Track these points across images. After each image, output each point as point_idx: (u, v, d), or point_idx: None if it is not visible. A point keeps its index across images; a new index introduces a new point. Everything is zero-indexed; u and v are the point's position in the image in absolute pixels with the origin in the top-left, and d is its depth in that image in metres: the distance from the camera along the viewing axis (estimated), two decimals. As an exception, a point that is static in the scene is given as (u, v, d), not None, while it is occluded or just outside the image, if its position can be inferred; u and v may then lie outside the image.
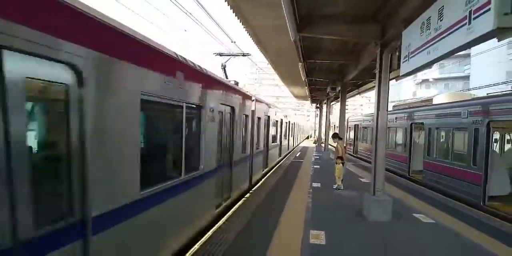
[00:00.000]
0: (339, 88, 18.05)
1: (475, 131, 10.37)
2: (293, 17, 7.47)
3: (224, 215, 8.12)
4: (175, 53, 5.25)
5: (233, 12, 9.29)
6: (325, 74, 17.63)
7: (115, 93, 3.58)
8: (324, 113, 29.90)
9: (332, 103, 26.80)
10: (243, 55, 14.34)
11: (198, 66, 6.32)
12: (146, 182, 4.20)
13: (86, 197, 3.05)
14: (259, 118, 12.74)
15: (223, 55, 13.52)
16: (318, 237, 6.39)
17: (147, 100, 4.23)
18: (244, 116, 10.36)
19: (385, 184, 8.42)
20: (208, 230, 6.93)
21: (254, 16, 9.63)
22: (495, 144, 11.77)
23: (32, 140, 2.70)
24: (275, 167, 17.70)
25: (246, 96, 10.59)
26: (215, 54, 13.65)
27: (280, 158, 21.28)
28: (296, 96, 38.33)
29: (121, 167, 3.74)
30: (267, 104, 15.13)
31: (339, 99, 19.38)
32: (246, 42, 13.14)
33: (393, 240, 6.55)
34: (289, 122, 26.27)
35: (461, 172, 11.03)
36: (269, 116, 15.33)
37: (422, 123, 14.59)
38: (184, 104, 5.50)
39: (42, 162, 2.90)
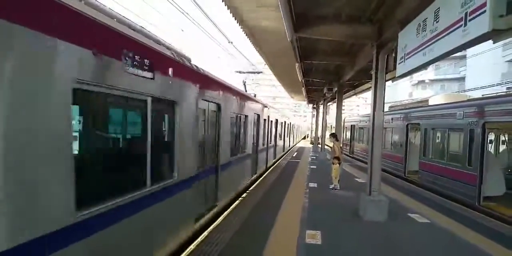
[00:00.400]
0: (336, 88, 18.11)
1: (471, 132, 10.43)
2: (290, 17, 7.49)
3: (221, 214, 8.12)
4: (141, 28, 4.44)
5: (230, 13, 9.30)
6: (321, 74, 17.67)
7: (33, 80, 2.59)
8: (320, 114, 29.96)
9: (328, 104, 26.87)
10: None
11: (175, 53, 5.48)
12: (85, 199, 3.16)
13: None
14: (253, 117, 12.19)
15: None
16: (314, 237, 6.41)
17: (87, 90, 3.22)
18: (234, 115, 9.50)
19: (381, 184, 8.45)
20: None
21: (251, 17, 9.64)
22: (490, 145, 11.86)
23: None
24: (272, 167, 17.69)
25: (236, 93, 9.65)
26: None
27: (276, 159, 21.17)
28: (293, 97, 38.40)
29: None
30: (261, 103, 14.57)
31: (336, 99, 19.44)
32: (243, 43, 13.16)
33: (389, 240, 6.58)
34: (285, 122, 25.83)
35: (457, 173, 11.10)
36: (258, 115, 13.83)
37: (418, 124, 14.66)
38: (149, 98, 4.40)
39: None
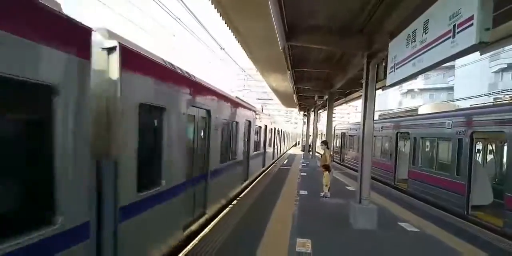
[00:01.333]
0: (327, 96, 18.26)
1: (459, 142, 10.57)
2: (282, 26, 7.56)
3: (210, 222, 8.05)
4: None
5: (223, 20, 9.34)
6: (313, 82, 17.80)
7: None
8: (311, 121, 30.09)
9: (319, 111, 27.02)
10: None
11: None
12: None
13: None
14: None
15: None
16: (304, 245, 6.39)
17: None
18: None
19: (371, 192, 8.49)
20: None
21: (243, 24, 9.69)
22: (478, 154, 12.01)
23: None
24: (263, 173, 17.64)
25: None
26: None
27: (267, 166, 21.06)
28: (284, 104, 38.53)
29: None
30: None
31: (327, 107, 19.57)
32: (235, 49, 13.21)
33: (379, 248, 6.59)
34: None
35: (445, 182, 11.20)
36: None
37: (408, 133, 14.80)
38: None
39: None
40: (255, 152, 15.55)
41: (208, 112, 7.70)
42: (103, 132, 3.61)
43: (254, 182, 14.63)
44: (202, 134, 7.55)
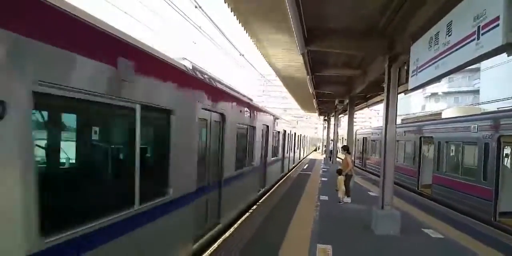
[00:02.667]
0: (347, 101, 18.09)
1: (485, 146, 10.26)
2: (301, 31, 7.56)
3: (231, 227, 8.07)
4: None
5: (242, 26, 9.44)
6: (333, 87, 17.68)
7: None
8: (332, 126, 29.83)
9: (340, 116, 26.77)
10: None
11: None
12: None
13: None
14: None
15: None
16: (325, 251, 6.31)
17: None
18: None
19: (394, 198, 8.33)
20: None
21: (262, 31, 9.77)
22: (506, 159, 11.62)
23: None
24: (283, 179, 17.58)
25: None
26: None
27: (287, 171, 20.91)
28: (304, 109, 38.39)
29: None
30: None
31: (347, 111, 19.37)
32: (255, 55, 13.31)
33: (402, 255, 6.44)
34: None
35: (471, 187, 10.88)
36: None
37: (431, 137, 14.48)
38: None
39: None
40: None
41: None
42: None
43: (274, 187, 14.59)
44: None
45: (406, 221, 8.40)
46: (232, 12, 8.45)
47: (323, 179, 17.77)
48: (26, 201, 2.40)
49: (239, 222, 8.52)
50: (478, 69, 39.43)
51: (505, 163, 10.90)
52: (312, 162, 31.65)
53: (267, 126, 13.07)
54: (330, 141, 27.08)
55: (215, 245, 6.68)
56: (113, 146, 4.18)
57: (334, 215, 9.45)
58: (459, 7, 4.44)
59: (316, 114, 39.66)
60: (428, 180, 14.64)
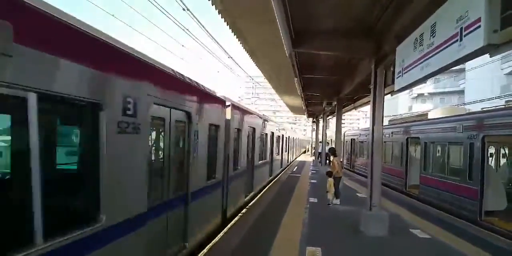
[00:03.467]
0: (335, 102, 18.22)
1: (470, 146, 10.39)
2: (288, 33, 7.58)
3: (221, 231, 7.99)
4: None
5: (230, 29, 9.42)
6: (321, 89, 17.77)
7: None
8: (320, 127, 29.97)
9: (328, 118, 26.94)
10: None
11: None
12: None
13: None
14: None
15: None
16: (314, 254, 6.29)
17: None
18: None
19: (382, 199, 8.37)
20: None
21: (249, 32, 9.76)
22: (490, 158, 11.80)
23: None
24: (272, 182, 17.52)
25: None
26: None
27: (277, 174, 20.76)
28: (293, 111, 38.53)
29: None
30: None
31: (335, 113, 19.48)
32: (243, 57, 13.28)
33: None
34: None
35: (458, 187, 11.01)
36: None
37: (418, 138, 14.63)
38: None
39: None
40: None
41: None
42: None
43: (264, 190, 14.54)
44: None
45: (394, 221, 8.45)
46: (220, 14, 8.42)
47: (312, 181, 17.80)
48: None
49: (228, 225, 8.45)
50: (463, 70, 40.07)
51: (489, 163, 11.08)
52: (302, 164, 31.72)
53: (254, 128, 12.31)
54: (320, 143, 27.04)
55: (206, 249, 6.61)
56: None
57: (323, 217, 9.46)
58: (443, 9, 4.50)
59: (305, 116, 39.83)
60: (415, 180, 14.77)
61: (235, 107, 9.33)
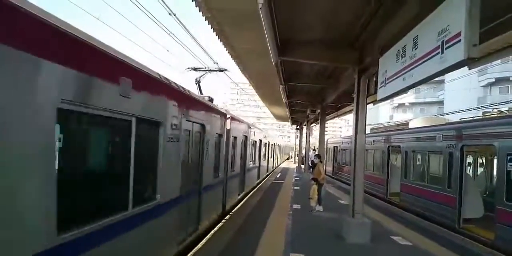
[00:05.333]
0: (319, 110, 18.42)
1: (450, 155, 10.66)
2: (274, 41, 7.68)
3: (203, 238, 7.94)
4: None
5: (216, 35, 9.47)
6: (305, 96, 17.96)
7: None
8: (304, 135, 30.19)
9: (312, 125, 27.18)
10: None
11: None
12: None
13: None
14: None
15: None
16: (297, 260, 6.32)
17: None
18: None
19: (364, 206, 8.48)
20: None
21: (236, 40, 9.83)
22: (468, 167, 12.11)
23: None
24: (255, 188, 17.50)
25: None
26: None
27: (260, 180, 20.64)
28: (277, 117, 38.71)
29: None
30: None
31: (319, 121, 19.68)
32: (229, 63, 13.34)
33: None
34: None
35: (437, 195, 11.24)
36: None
37: (399, 146, 14.90)
38: None
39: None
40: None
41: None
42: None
43: (248, 196, 14.51)
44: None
45: (376, 229, 8.57)
46: (207, 21, 8.46)
47: (295, 188, 17.86)
48: None
49: (211, 232, 8.40)
50: (442, 81, 41.17)
51: (468, 172, 11.37)
52: (285, 171, 31.79)
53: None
54: (309, 149, 27.10)
55: (192, 252, 6.56)
56: None
57: (306, 224, 9.50)
58: (425, 22, 4.65)
59: (289, 123, 40.06)
60: (396, 188, 14.99)
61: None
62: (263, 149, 20.50)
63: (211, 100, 9.12)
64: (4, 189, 2.38)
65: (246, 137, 13.88)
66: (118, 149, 4.32)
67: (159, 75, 5.14)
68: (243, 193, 14.22)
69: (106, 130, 4.11)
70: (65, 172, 3.03)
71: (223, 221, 9.66)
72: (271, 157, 27.86)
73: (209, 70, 12.56)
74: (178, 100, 5.79)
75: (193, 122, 6.86)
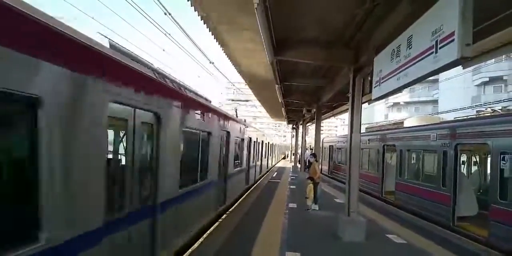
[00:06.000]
0: (315, 109, 18.46)
1: (444, 154, 10.74)
2: (270, 41, 7.70)
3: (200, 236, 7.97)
4: None
5: (212, 35, 9.46)
6: (301, 96, 17.99)
7: None
8: (300, 134, 30.24)
9: (307, 124, 27.21)
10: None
11: None
12: None
13: None
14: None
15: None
16: (293, 258, 6.36)
17: None
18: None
19: (359, 204, 8.54)
20: None
21: (232, 40, 9.82)
22: (462, 166, 12.20)
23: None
24: (250, 190, 17.52)
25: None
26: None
27: (249, 185, 17.72)
28: (273, 117, 38.72)
29: None
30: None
31: (315, 120, 19.72)
32: (225, 63, 13.33)
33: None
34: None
35: (431, 193, 11.32)
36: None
37: (394, 145, 14.98)
38: None
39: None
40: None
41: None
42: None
43: (244, 195, 14.54)
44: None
45: (371, 227, 8.62)
46: (202, 21, 8.45)
47: (291, 187, 17.92)
48: None
49: (208, 232, 8.42)
50: (436, 81, 41.41)
51: (462, 170, 11.47)
52: (281, 170, 31.84)
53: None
54: (305, 149, 27.02)
55: (185, 255, 6.57)
56: None
57: (302, 222, 9.55)
58: (419, 22, 4.69)
59: (285, 122, 40.09)
60: (391, 187, 15.07)
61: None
62: (254, 149, 18.67)
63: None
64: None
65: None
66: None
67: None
68: (246, 186, 16.45)
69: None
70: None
71: (219, 220, 9.67)
72: (265, 158, 26.96)
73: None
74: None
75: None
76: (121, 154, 4.54)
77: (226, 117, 10.68)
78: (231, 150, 11.62)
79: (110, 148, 4.22)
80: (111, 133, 4.19)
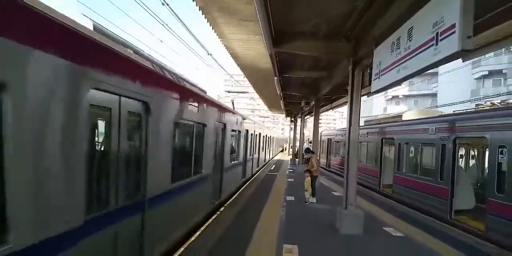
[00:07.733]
0: (313, 102, 18.40)
1: (442, 147, 10.73)
2: (269, 33, 7.62)
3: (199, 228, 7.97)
4: None
5: (210, 26, 9.36)
6: (299, 88, 17.92)
7: None
8: (298, 127, 30.22)
9: (306, 117, 27.18)
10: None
11: None
12: None
13: None
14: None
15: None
16: (291, 251, 6.37)
17: None
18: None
19: (357, 197, 8.55)
20: None
21: (231, 31, 9.73)
22: (461, 159, 12.21)
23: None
24: (247, 183, 17.54)
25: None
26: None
27: (246, 179, 17.00)
28: (271, 109, 38.66)
29: None
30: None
31: (313, 113, 19.68)
32: (223, 55, 13.24)
33: (365, 253, 6.64)
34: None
35: (429, 187, 11.35)
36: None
37: (393, 138, 14.98)
38: None
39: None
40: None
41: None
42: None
43: (241, 189, 14.54)
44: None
45: (369, 220, 8.65)
46: (200, 11, 8.36)
47: (289, 179, 17.95)
48: None
49: (206, 224, 8.43)
50: (435, 74, 41.27)
51: (460, 164, 11.48)
52: (279, 163, 31.90)
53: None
54: (303, 142, 27.05)
55: (182, 247, 6.57)
56: None
57: (300, 215, 9.57)
58: (420, 13, 4.63)
59: (283, 115, 40.05)
60: (389, 180, 15.11)
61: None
62: (251, 142, 18.29)
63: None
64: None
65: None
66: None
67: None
68: (245, 178, 16.32)
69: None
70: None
71: (217, 213, 9.68)
72: (263, 150, 26.34)
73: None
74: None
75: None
76: (104, 145, 4.16)
77: (222, 109, 10.23)
78: (227, 142, 11.23)
79: (91, 138, 3.90)
80: (92, 123, 3.81)
